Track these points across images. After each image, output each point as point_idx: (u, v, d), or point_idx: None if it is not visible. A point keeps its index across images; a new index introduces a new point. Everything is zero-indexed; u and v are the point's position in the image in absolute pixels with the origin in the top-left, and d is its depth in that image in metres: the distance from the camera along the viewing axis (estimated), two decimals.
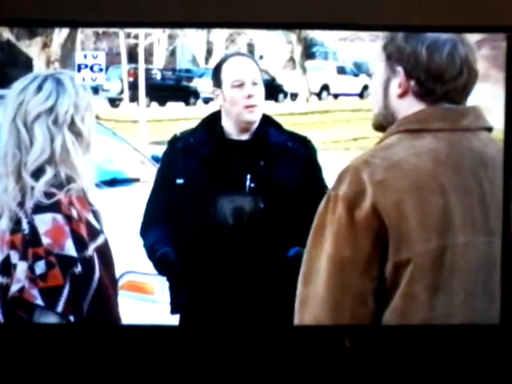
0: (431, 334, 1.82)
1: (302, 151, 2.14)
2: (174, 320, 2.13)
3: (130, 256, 2.18)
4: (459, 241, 1.44)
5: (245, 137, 2.14)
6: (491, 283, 1.52)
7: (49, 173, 1.67)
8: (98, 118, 2.08)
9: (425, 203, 1.43)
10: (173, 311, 2.13)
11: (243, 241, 2.07)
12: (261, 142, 2.12)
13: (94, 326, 1.76)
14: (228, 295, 2.09)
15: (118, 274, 2.13)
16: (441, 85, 1.50)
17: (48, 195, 1.67)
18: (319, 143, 2.21)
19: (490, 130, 1.55)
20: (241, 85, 2.09)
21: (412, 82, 1.51)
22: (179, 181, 2.13)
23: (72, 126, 1.71)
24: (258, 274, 2.08)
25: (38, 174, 1.68)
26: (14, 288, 1.61)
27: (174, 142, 2.19)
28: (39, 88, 1.70)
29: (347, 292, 1.41)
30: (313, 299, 1.45)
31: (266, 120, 2.14)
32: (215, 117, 2.15)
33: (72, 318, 1.65)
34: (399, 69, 1.50)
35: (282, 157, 2.11)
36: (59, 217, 1.64)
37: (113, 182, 2.41)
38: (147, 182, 2.57)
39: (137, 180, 2.56)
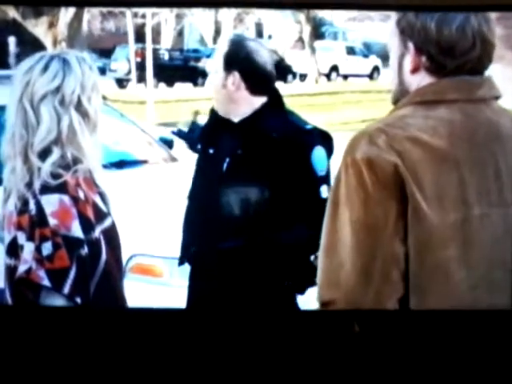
0: (441, 319, 1.81)
1: (289, 143, 2.01)
2: (183, 303, 2.12)
3: (139, 238, 2.17)
4: (475, 213, 1.42)
5: (236, 118, 2.05)
6: (509, 254, 1.50)
7: (55, 153, 1.65)
8: (105, 98, 2.05)
9: (441, 176, 1.41)
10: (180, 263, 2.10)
11: (221, 224, 2.00)
12: (249, 127, 2.02)
13: (102, 309, 1.75)
14: (234, 281, 2.05)
15: (126, 256, 2.11)
16: (451, 59, 1.46)
17: (55, 176, 1.65)
18: (328, 124, 2.17)
19: (497, 98, 1.53)
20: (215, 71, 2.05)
21: (423, 58, 1.47)
22: (198, 146, 2.11)
23: (78, 107, 1.69)
24: (256, 263, 2.03)
25: (44, 154, 1.66)
26: (22, 269, 1.60)
27: (212, 111, 2.14)
28: (45, 68, 1.68)
29: (378, 254, 1.38)
30: (339, 267, 1.42)
31: (270, 104, 2.03)
32: None
33: (79, 300, 1.64)
34: (410, 44, 1.48)
35: (263, 147, 2.00)
36: (66, 198, 1.63)
37: (120, 164, 2.39)
38: (155, 164, 2.55)
39: (145, 162, 2.53)
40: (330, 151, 2.01)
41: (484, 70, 1.45)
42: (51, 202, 1.59)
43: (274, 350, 1.99)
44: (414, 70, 1.48)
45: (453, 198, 1.39)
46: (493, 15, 1.54)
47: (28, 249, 1.57)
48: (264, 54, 2.12)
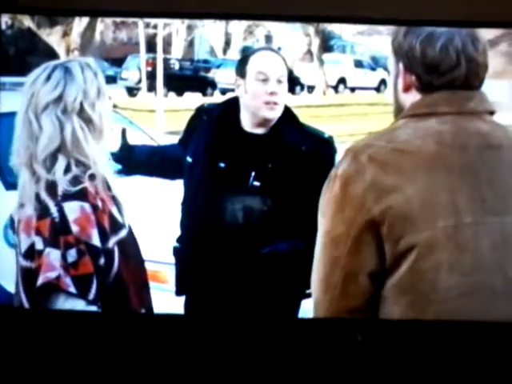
0: (444, 329, 1.83)
1: (316, 155, 2.06)
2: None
3: (144, 244, 2.20)
4: (467, 221, 1.45)
5: (259, 131, 2.08)
6: (507, 262, 1.51)
7: (61, 162, 1.68)
8: (115, 106, 2.08)
9: (430, 184, 1.44)
10: (178, 293, 2.13)
11: (238, 237, 2.04)
12: (274, 140, 2.06)
13: (104, 314, 1.78)
14: (230, 290, 2.08)
15: None
16: (437, 77, 1.51)
17: (74, 183, 1.67)
18: (335, 136, 2.20)
19: (492, 113, 1.56)
20: (265, 79, 2.04)
21: (413, 77, 1.53)
22: (189, 159, 2.11)
23: (81, 113, 1.71)
24: (257, 270, 2.06)
25: (50, 164, 1.68)
26: (51, 275, 1.61)
27: (199, 111, 2.15)
28: (48, 78, 1.71)
29: (337, 267, 1.44)
30: (313, 273, 1.49)
31: (286, 116, 2.08)
32: (235, 103, 2.10)
33: (100, 307, 1.66)
34: (400, 64, 1.53)
35: (293, 161, 2.04)
36: (87, 205, 1.66)
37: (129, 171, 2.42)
38: None
39: None
40: None
41: (474, 87, 1.48)
42: (73, 209, 1.62)
43: (275, 357, 2.01)
44: (406, 89, 1.53)
45: (443, 205, 1.43)
46: (486, 35, 1.57)
47: (54, 256, 1.60)
48: None
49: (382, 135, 1.50)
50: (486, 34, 1.57)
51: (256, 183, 2.05)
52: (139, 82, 2.99)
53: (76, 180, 1.67)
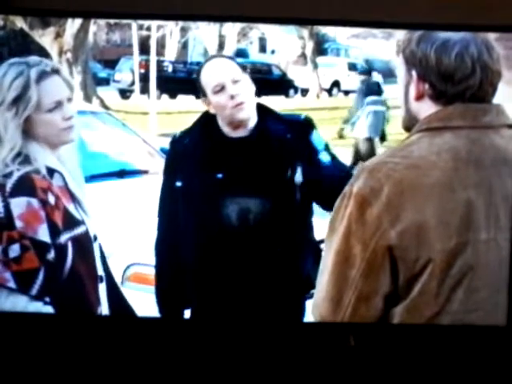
0: (437, 334, 1.82)
1: (301, 138, 2.08)
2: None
3: (137, 248, 2.18)
4: (481, 237, 1.43)
5: (242, 133, 2.08)
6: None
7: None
8: (108, 108, 2.06)
9: (445, 201, 1.42)
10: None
11: (249, 243, 2.04)
12: (260, 138, 2.05)
13: (98, 316, 1.76)
14: (233, 294, 2.07)
15: (124, 265, 2.13)
16: (451, 85, 1.48)
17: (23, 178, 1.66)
18: (328, 139, 2.19)
19: (510, 126, 1.53)
20: (221, 88, 2.04)
21: (426, 85, 1.50)
22: (178, 183, 2.09)
23: None
24: (262, 276, 2.05)
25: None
26: None
27: (174, 143, 2.15)
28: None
29: (349, 287, 1.41)
30: (319, 292, 1.46)
31: (263, 112, 2.08)
32: (211, 115, 2.09)
33: (48, 299, 1.66)
34: (413, 72, 1.50)
35: (284, 152, 2.05)
36: (34, 201, 1.65)
37: (121, 173, 2.41)
38: (155, 174, 2.58)
39: (145, 172, 2.56)
40: None
41: (488, 97, 1.46)
42: (19, 205, 1.61)
43: (270, 360, 2.00)
44: (418, 98, 1.51)
45: (458, 222, 1.40)
46: (493, 40, 1.55)
47: None
48: None
49: (396, 151, 1.47)
50: (489, 37, 1.55)
51: (257, 184, 2.05)
52: (132, 84, 2.97)
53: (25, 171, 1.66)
